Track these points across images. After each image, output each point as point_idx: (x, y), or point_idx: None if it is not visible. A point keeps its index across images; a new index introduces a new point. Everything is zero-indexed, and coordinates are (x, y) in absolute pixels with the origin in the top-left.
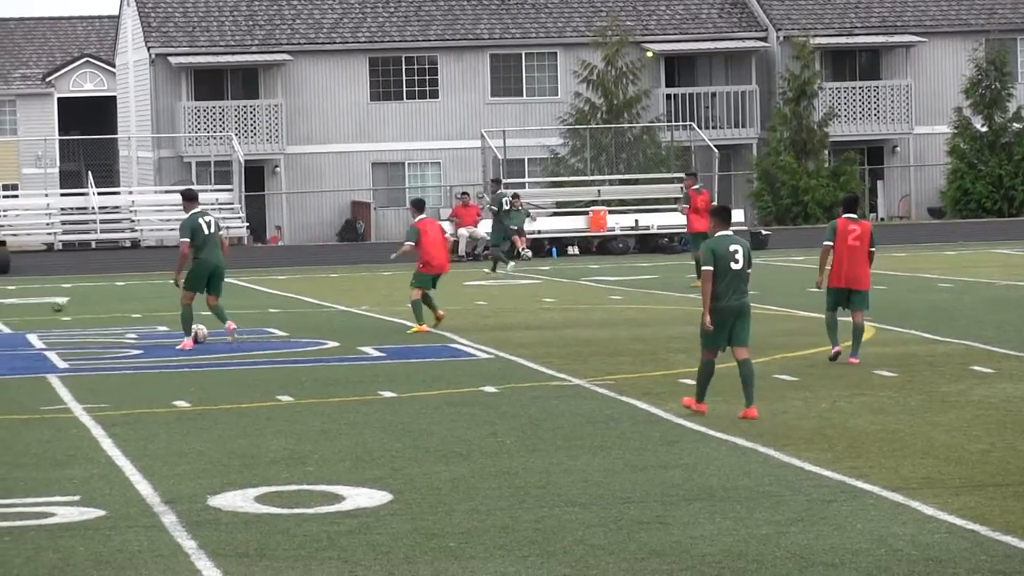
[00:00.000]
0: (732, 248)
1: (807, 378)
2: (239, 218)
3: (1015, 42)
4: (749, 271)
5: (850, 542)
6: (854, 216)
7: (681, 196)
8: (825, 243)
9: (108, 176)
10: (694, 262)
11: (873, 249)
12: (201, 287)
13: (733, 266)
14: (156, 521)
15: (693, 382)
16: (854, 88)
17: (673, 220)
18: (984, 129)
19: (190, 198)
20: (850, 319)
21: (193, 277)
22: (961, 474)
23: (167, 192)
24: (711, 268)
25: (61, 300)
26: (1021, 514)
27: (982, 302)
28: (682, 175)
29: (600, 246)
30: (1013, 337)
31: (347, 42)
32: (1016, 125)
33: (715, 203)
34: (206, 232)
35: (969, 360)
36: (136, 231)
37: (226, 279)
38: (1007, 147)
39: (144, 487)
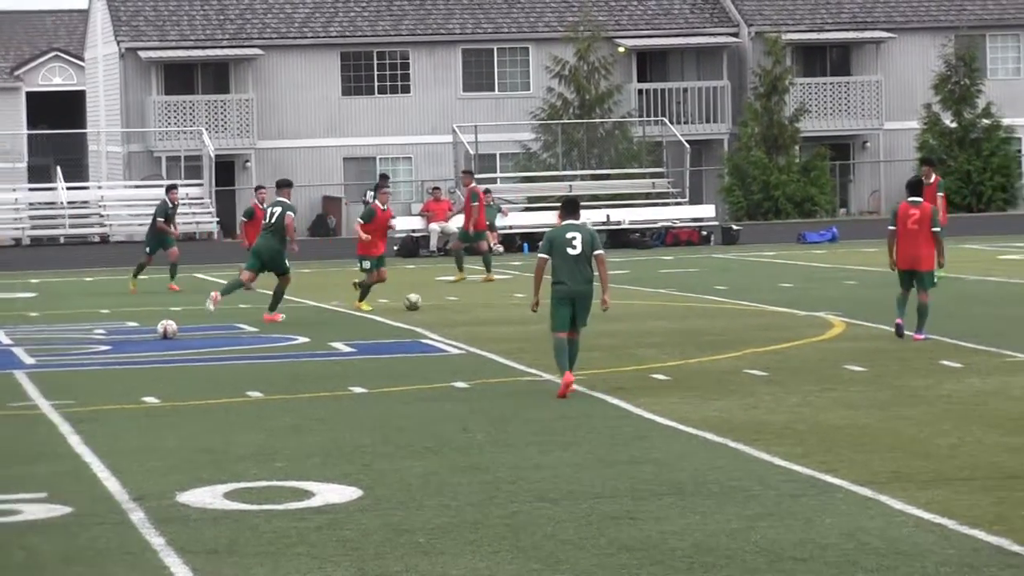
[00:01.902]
0: (569, 235)
1: (777, 373)
2: (209, 213)
3: (984, 38)
4: (599, 252)
5: (819, 536)
6: (918, 200)
7: (463, 195)
8: (889, 228)
9: (77, 171)
10: (455, 259)
11: (936, 229)
12: (256, 267)
13: (570, 251)
14: (124, 518)
15: (665, 377)
16: (825, 84)
17: (645, 215)
18: (953, 125)
19: (278, 185)
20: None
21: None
22: (929, 468)
23: (137, 187)
24: (546, 256)
25: (414, 297)
26: (988, 508)
27: (951, 297)
28: (653, 169)
29: None
30: (981, 332)
31: (318, 36)
32: (985, 121)
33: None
34: (267, 219)
35: (938, 355)
36: (105, 226)
37: (272, 266)
38: (976, 143)
39: (112, 484)
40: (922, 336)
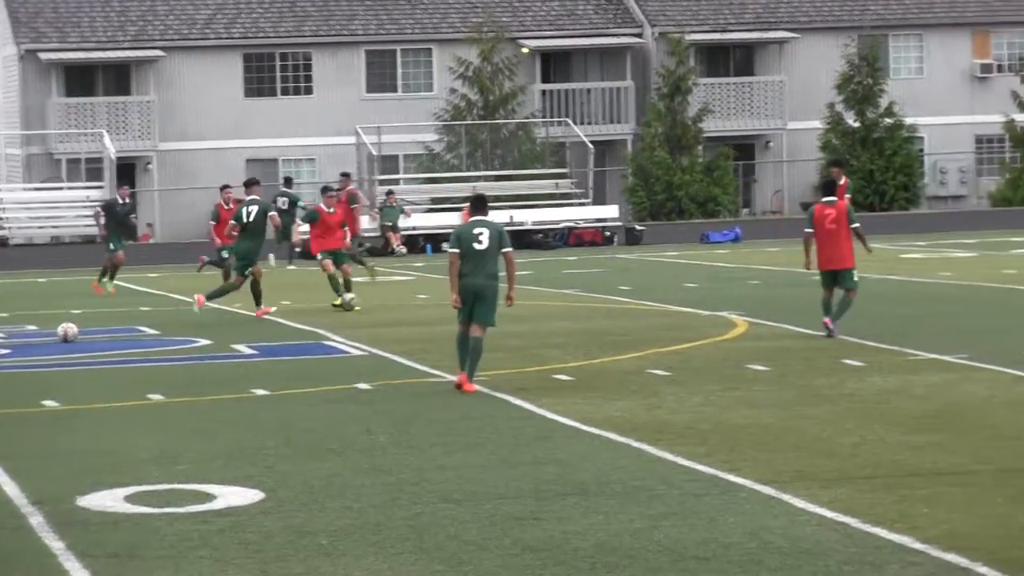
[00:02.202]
0: (476, 231)
1: (680, 373)
2: None
3: (886, 38)
4: (507, 249)
5: (722, 535)
6: (832, 199)
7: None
8: (806, 230)
9: None
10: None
11: (856, 225)
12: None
13: (476, 247)
14: (23, 523)
15: (568, 378)
16: (728, 84)
17: (548, 216)
18: (856, 124)
19: (246, 185)
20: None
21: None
22: (832, 467)
23: (36, 189)
24: (456, 250)
25: (350, 296)
26: (890, 506)
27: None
28: (556, 170)
29: None
30: (884, 331)
31: (221, 38)
32: (887, 120)
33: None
34: (244, 220)
35: (841, 354)
36: (4, 229)
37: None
38: (879, 142)
39: (11, 488)
40: (833, 325)
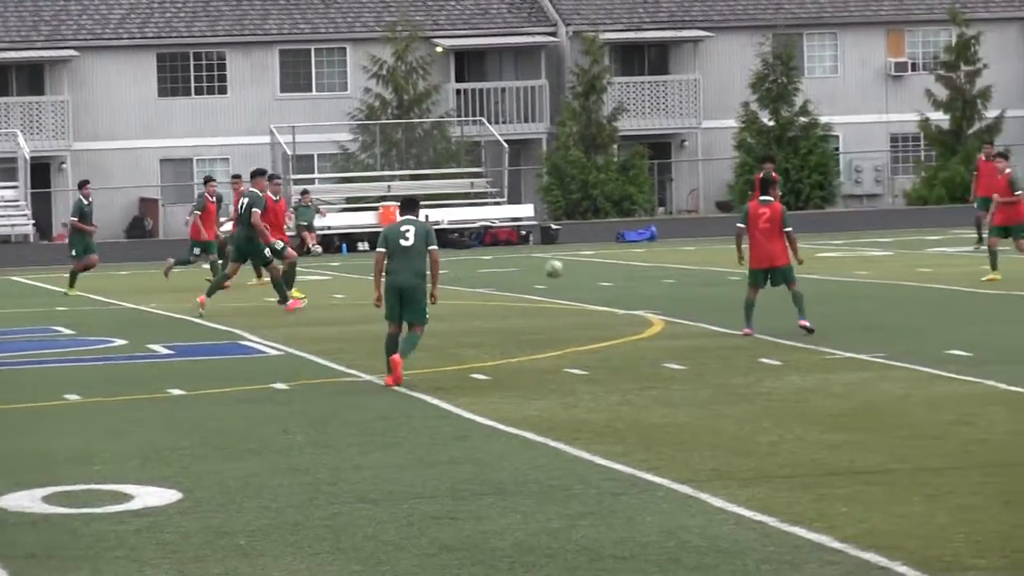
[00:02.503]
0: (403, 228)
1: (597, 372)
2: (24, 215)
3: (801, 37)
4: (433, 247)
5: (640, 535)
6: (768, 199)
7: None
8: (738, 225)
9: None
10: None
11: (788, 229)
12: (237, 259)
13: (403, 243)
14: None
15: (485, 377)
16: (643, 83)
17: (463, 215)
18: (771, 123)
19: (251, 176)
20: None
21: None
22: (750, 466)
23: None
24: (383, 250)
25: (557, 264)
26: (808, 505)
27: (769, 295)
28: (471, 169)
29: None
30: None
31: (134, 37)
32: (802, 119)
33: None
34: (239, 210)
35: (758, 353)
36: None
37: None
38: (794, 141)
39: None
40: (807, 322)
